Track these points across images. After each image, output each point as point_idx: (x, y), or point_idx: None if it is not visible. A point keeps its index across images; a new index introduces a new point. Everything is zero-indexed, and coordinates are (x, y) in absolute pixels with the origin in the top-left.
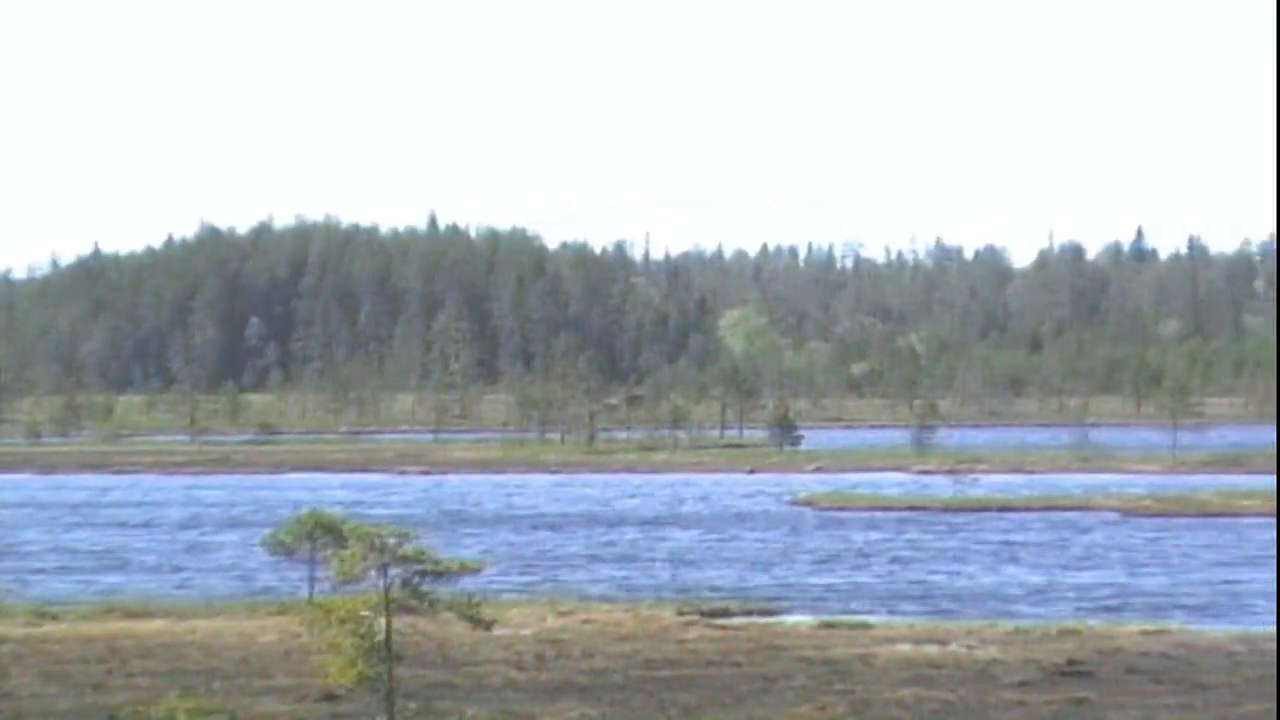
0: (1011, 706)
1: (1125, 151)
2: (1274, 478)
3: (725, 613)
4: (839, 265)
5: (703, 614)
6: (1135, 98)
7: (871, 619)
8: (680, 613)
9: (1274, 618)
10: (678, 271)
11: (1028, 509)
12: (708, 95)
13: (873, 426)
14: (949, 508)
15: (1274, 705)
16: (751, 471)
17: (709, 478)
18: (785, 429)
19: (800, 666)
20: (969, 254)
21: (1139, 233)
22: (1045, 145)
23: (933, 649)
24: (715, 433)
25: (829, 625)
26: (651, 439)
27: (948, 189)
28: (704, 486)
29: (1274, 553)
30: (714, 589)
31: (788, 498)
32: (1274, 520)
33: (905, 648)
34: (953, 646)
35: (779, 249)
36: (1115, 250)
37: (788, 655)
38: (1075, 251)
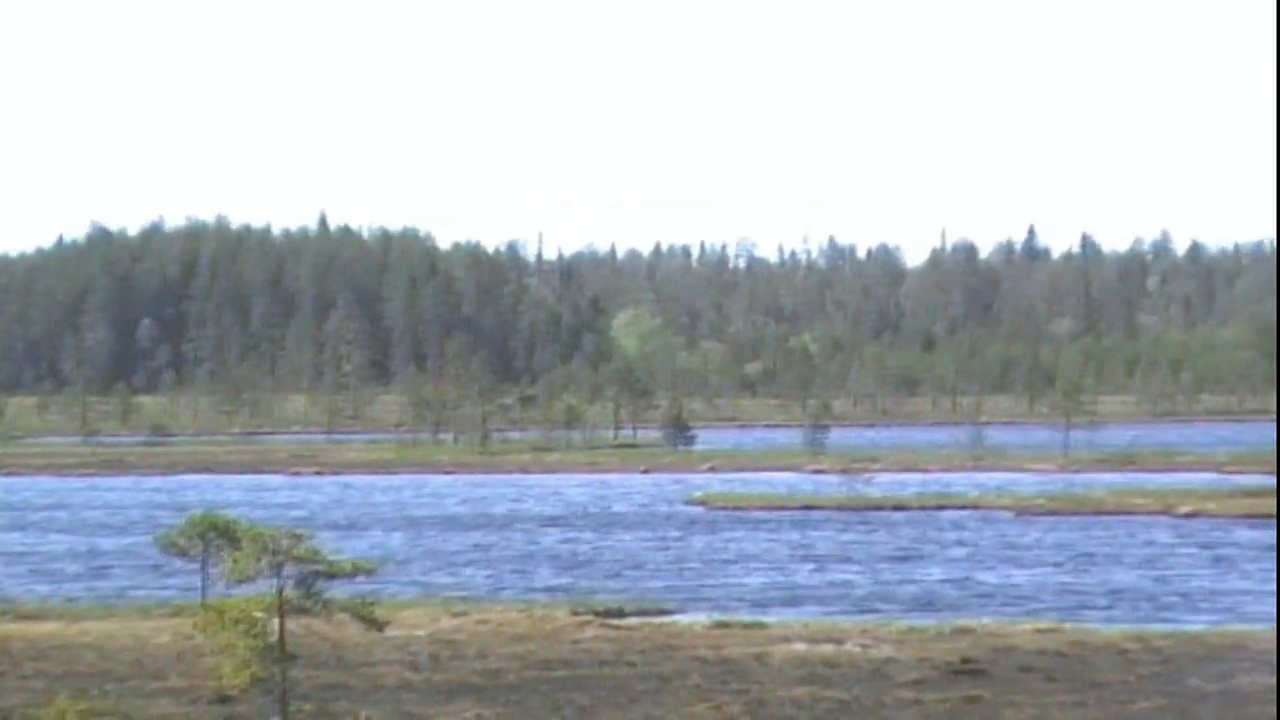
0: (906, 705)
1: (1017, 151)
2: (1166, 476)
3: (620, 613)
4: (732, 265)
5: (597, 614)
6: (1024, 96)
7: (766, 618)
8: (574, 613)
9: (1160, 616)
10: (571, 272)
11: (921, 508)
12: (595, 94)
13: (766, 426)
14: (843, 507)
15: (1166, 702)
16: (645, 472)
17: (602, 478)
18: (679, 429)
19: (695, 666)
20: (862, 254)
21: (1031, 231)
22: (936, 145)
23: (828, 648)
24: (609, 433)
25: (723, 625)
26: (545, 439)
27: (840, 189)
28: (597, 487)
29: (1153, 552)
30: (608, 589)
31: (681, 498)
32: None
33: (800, 647)
34: (848, 645)
35: (672, 249)
36: (1008, 249)
37: (682, 655)
38: (968, 250)
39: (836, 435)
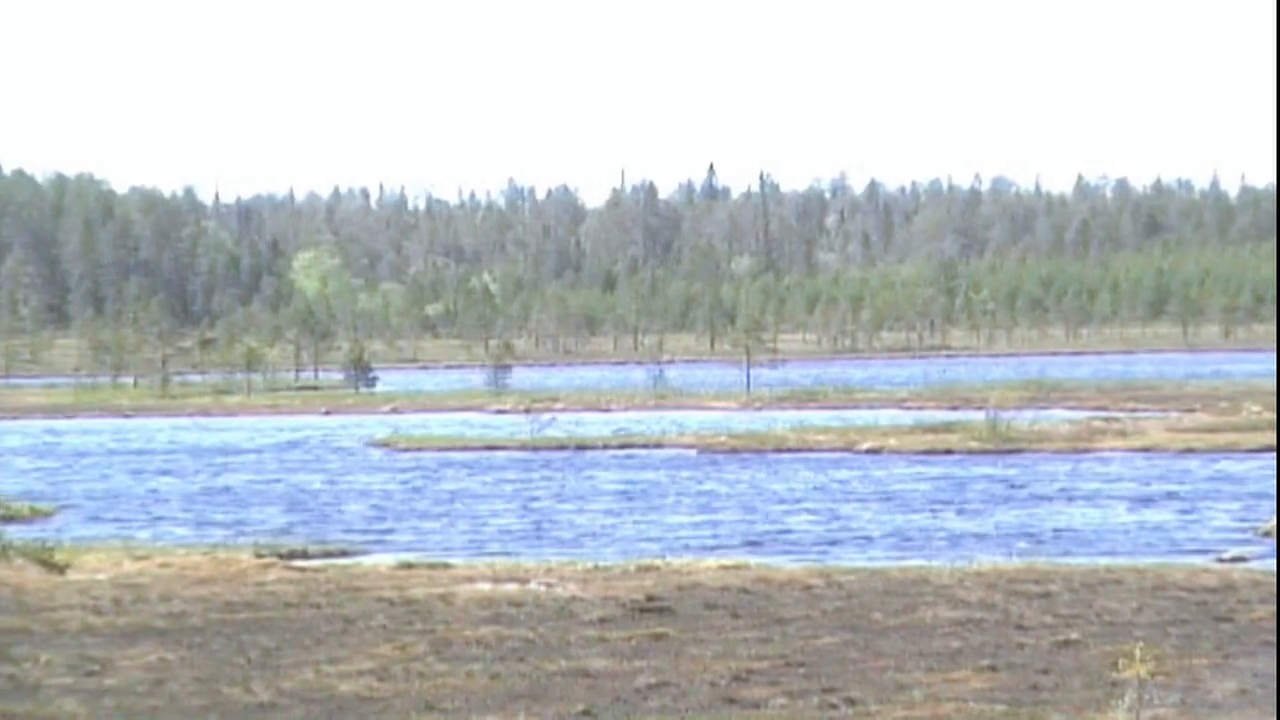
0: (592, 643)
1: (695, 92)
2: (850, 411)
3: (303, 554)
4: (411, 206)
5: (281, 556)
6: (701, 37)
7: (451, 559)
8: (258, 555)
9: (863, 550)
10: (249, 214)
11: (605, 447)
12: (270, 36)
13: (448, 367)
14: (526, 447)
15: (851, 636)
16: (327, 413)
17: (284, 420)
18: (360, 371)
19: (380, 607)
20: (541, 194)
21: (711, 170)
22: (614, 86)
23: (512, 587)
24: (290, 375)
25: (408, 565)
26: (226, 382)
27: (518, 131)
28: (278, 428)
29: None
30: (291, 531)
31: (364, 439)
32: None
33: (485, 586)
34: (532, 585)
35: (351, 191)
36: (688, 189)
37: (367, 596)
38: (648, 190)
39: (519, 375)
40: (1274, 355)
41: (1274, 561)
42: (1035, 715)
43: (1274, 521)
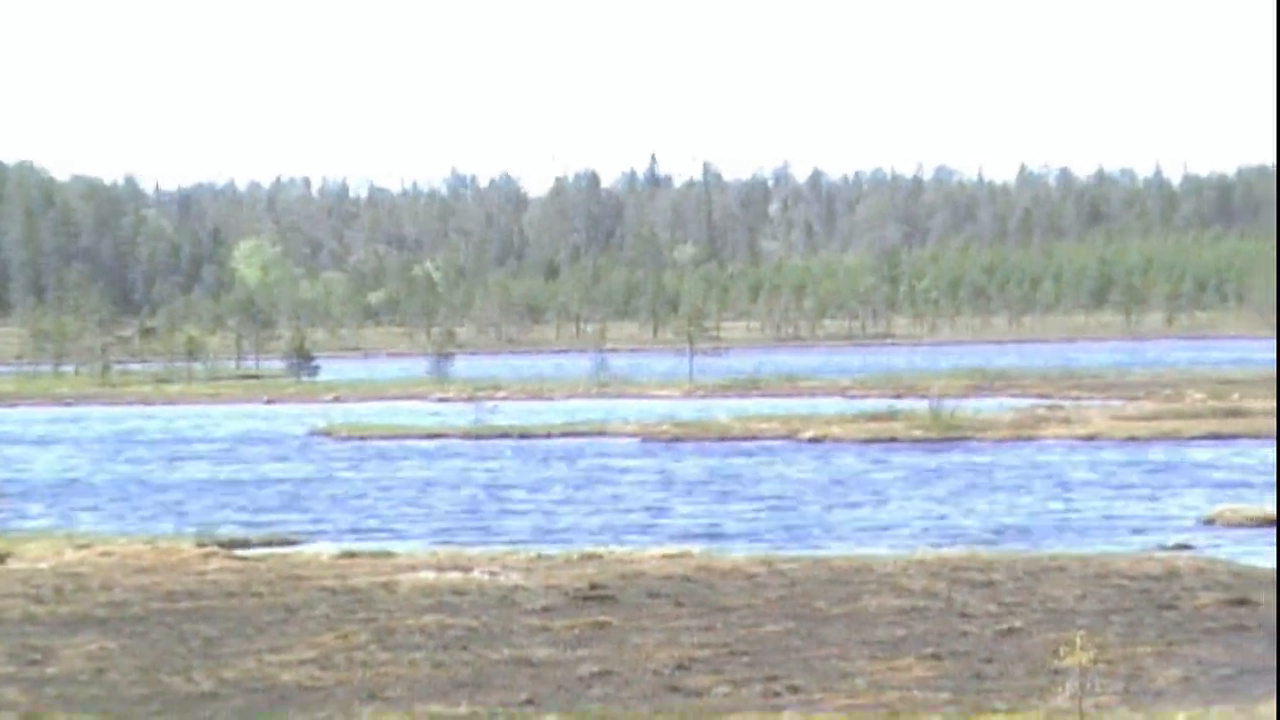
0: (535, 631)
1: (637, 81)
2: (790, 401)
3: (245, 544)
4: (353, 194)
5: (222, 545)
6: (644, 27)
7: (394, 546)
8: (200, 544)
9: (788, 541)
10: (190, 203)
11: (549, 435)
12: (212, 29)
13: (390, 355)
14: (469, 435)
15: (794, 624)
16: (269, 402)
17: (225, 409)
18: (302, 359)
19: (322, 596)
20: (484, 182)
21: (653, 160)
22: (556, 75)
23: (455, 576)
24: (231, 364)
25: (350, 554)
26: (167, 370)
27: (461, 120)
28: (219, 418)
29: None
30: (232, 520)
31: (306, 428)
32: None
33: (428, 575)
34: (475, 573)
35: (292, 179)
36: (630, 178)
37: (309, 585)
38: (590, 179)
39: (462, 363)
40: (1217, 342)
41: (1216, 549)
42: (978, 704)
43: (1218, 509)
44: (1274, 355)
